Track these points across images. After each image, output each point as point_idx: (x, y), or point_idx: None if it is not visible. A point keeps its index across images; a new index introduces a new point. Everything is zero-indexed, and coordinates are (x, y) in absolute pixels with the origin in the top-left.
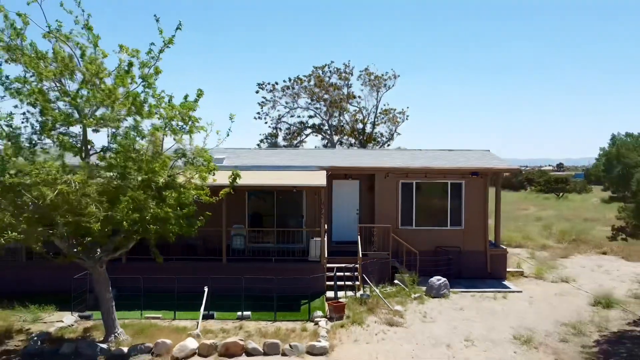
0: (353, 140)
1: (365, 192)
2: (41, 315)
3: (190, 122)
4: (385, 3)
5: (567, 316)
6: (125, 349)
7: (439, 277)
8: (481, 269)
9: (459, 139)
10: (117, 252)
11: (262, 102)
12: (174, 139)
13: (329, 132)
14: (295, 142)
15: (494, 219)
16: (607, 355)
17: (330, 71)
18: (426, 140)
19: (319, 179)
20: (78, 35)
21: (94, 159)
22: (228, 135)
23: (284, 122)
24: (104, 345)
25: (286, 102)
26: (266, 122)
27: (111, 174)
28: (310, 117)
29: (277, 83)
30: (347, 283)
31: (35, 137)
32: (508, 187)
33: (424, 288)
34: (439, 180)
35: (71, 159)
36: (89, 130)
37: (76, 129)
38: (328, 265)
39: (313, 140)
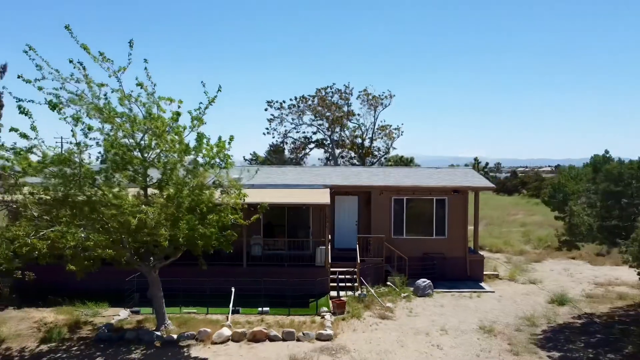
0: (352, 154)
1: (363, 207)
2: (98, 310)
3: (225, 160)
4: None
5: (526, 311)
6: (175, 336)
7: (424, 279)
8: (462, 272)
9: (459, 141)
10: (167, 261)
11: (271, 118)
12: (214, 174)
13: (330, 146)
14: (300, 155)
15: (486, 223)
16: (548, 341)
17: (332, 92)
18: (427, 143)
19: (324, 197)
20: (144, 97)
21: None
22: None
23: (290, 136)
24: (158, 333)
25: (292, 119)
26: (274, 137)
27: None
28: (314, 133)
29: (284, 102)
30: (347, 284)
31: (109, 173)
32: (503, 191)
33: (411, 288)
34: (426, 197)
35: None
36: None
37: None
38: (331, 269)
39: (316, 153)
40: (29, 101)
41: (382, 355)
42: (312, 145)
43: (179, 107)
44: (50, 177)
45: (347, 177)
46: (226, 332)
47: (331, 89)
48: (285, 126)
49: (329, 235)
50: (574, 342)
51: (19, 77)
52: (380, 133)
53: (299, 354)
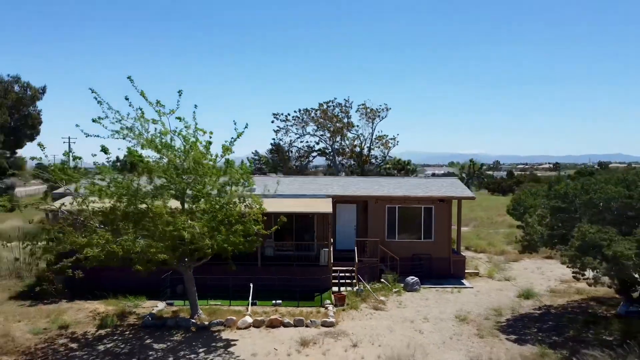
0: (352, 162)
1: (360, 213)
2: (138, 303)
3: (247, 180)
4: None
5: (496, 303)
6: (207, 323)
7: (413, 277)
8: (446, 271)
9: (460, 138)
10: (200, 262)
11: (277, 129)
12: (239, 192)
13: (332, 154)
14: (304, 162)
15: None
16: (509, 327)
17: (333, 105)
18: (427, 140)
19: (327, 206)
20: (184, 130)
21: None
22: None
23: (294, 146)
24: (193, 320)
25: (296, 130)
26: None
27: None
28: (316, 142)
29: (289, 114)
30: (347, 281)
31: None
32: (498, 191)
33: (402, 284)
34: (415, 205)
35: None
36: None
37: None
38: (333, 268)
39: (318, 160)
40: (95, 136)
41: (374, 338)
42: (314, 154)
43: (210, 137)
44: (114, 196)
45: (347, 188)
46: (248, 319)
47: (332, 102)
48: (290, 136)
49: (332, 239)
50: (529, 328)
51: (93, 120)
52: (377, 142)
53: (308, 337)
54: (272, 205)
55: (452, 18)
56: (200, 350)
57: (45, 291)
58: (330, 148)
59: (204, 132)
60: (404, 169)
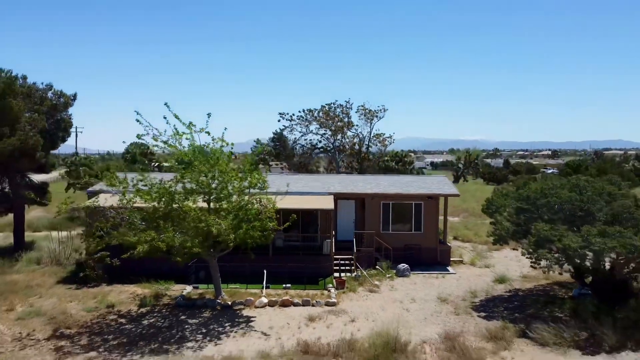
0: (352, 159)
1: (359, 208)
2: (168, 286)
3: (263, 184)
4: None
5: (474, 287)
6: (229, 302)
7: (404, 264)
8: (433, 259)
9: (461, 123)
10: (223, 252)
11: (282, 128)
12: (255, 195)
13: (333, 151)
14: (308, 159)
15: (472, 212)
16: (481, 306)
17: (335, 107)
18: (429, 125)
19: (329, 203)
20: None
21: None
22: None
23: (298, 143)
24: (218, 301)
25: (300, 128)
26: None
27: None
28: (319, 140)
29: (294, 114)
30: (346, 268)
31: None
32: (493, 180)
33: (394, 271)
34: (406, 201)
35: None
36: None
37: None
38: (335, 256)
39: (321, 157)
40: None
41: (369, 315)
42: (317, 151)
43: (232, 148)
44: (155, 199)
45: (347, 186)
46: (264, 300)
47: (334, 104)
48: (294, 134)
49: (333, 231)
50: (498, 307)
51: (138, 136)
52: (375, 140)
53: (314, 314)
54: (282, 202)
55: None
56: (226, 324)
57: (88, 276)
58: (331, 146)
59: (227, 144)
60: (401, 160)
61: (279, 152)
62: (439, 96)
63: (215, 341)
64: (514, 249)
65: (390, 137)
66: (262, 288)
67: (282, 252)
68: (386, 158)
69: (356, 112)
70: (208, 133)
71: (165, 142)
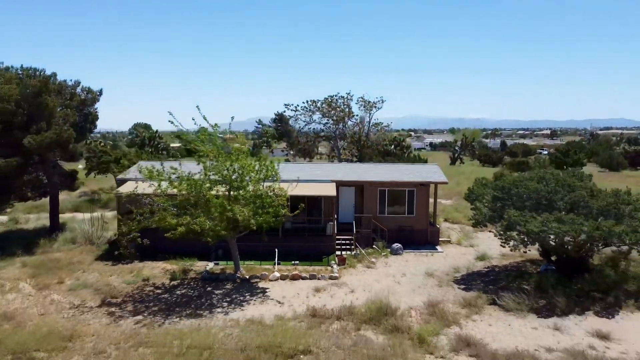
0: (352, 146)
1: (358, 194)
2: (192, 263)
3: (275, 175)
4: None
5: (457, 264)
6: (247, 276)
7: (397, 244)
8: (424, 239)
9: (463, 102)
10: (242, 233)
11: (288, 118)
12: (269, 185)
13: (335, 139)
14: (312, 147)
15: (460, 196)
16: (461, 280)
17: (336, 98)
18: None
19: (332, 190)
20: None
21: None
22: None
23: (303, 132)
24: (237, 275)
25: (304, 118)
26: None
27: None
28: (322, 129)
29: (298, 105)
30: (347, 247)
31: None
32: (489, 162)
33: (389, 250)
34: (401, 188)
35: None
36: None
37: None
38: (337, 237)
39: (323, 144)
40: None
41: (365, 286)
42: (320, 140)
43: (249, 148)
44: (186, 190)
45: (348, 174)
46: (277, 274)
47: (336, 96)
48: (299, 124)
49: (335, 215)
50: (475, 280)
51: (176, 136)
52: (374, 129)
53: (319, 286)
54: (291, 190)
55: None
56: (246, 294)
57: (122, 254)
58: (333, 134)
59: (245, 142)
60: (399, 145)
61: (281, 133)
62: (443, 73)
63: (239, 307)
64: None
65: (388, 125)
66: (274, 264)
67: (291, 233)
68: (385, 142)
69: (356, 102)
70: (232, 132)
71: (196, 141)
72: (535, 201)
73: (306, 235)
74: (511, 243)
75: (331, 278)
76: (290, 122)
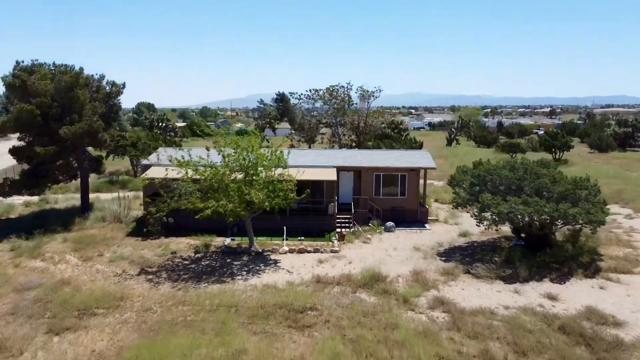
0: (351, 133)
1: (356, 178)
2: (212, 239)
3: (284, 163)
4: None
5: (442, 239)
6: (260, 250)
7: (390, 222)
8: (414, 218)
9: (464, 78)
10: (255, 213)
11: (292, 105)
12: (279, 172)
13: (336, 126)
14: (314, 133)
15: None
16: (444, 253)
17: (337, 88)
18: (433, 80)
19: (333, 175)
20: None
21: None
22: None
23: (306, 118)
24: (252, 249)
25: (307, 106)
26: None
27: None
28: (323, 117)
29: (302, 94)
30: (346, 225)
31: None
32: (484, 143)
33: (383, 227)
34: (394, 173)
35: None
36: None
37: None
38: (337, 216)
39: (324, 130)
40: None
41: (361, 258)
42: (321, 126)
43: (262, 139)
44: (208, 176)
45: (347, 160)
46: (286, 248)
47: (336, 86)
48: (302, 111)
49: (336, 197)
50: (455, 254)
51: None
52: (372, 117)
53: (322, 258)
54: (298, 176)
55: None
56: (261, 264)
57: (150, 231)
58: (334, 121)
59: (257, 135)
60: (397, 127)
61: (283, 113)
62: (444, 49)
63: (256, 275)
64: None
65: (386, 111)
66: (283, 240)
67: (297, 212)
68: (384, 126)
69: (356, 91)
70: (249, 126)
71: (217, 135)
72: (507, 187)
73: (310, 214)
74: (485, 223)
75: (332, 251)
76: (294, 110)
